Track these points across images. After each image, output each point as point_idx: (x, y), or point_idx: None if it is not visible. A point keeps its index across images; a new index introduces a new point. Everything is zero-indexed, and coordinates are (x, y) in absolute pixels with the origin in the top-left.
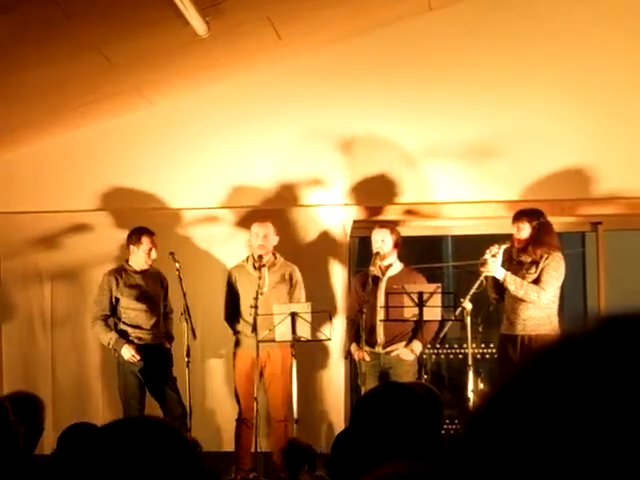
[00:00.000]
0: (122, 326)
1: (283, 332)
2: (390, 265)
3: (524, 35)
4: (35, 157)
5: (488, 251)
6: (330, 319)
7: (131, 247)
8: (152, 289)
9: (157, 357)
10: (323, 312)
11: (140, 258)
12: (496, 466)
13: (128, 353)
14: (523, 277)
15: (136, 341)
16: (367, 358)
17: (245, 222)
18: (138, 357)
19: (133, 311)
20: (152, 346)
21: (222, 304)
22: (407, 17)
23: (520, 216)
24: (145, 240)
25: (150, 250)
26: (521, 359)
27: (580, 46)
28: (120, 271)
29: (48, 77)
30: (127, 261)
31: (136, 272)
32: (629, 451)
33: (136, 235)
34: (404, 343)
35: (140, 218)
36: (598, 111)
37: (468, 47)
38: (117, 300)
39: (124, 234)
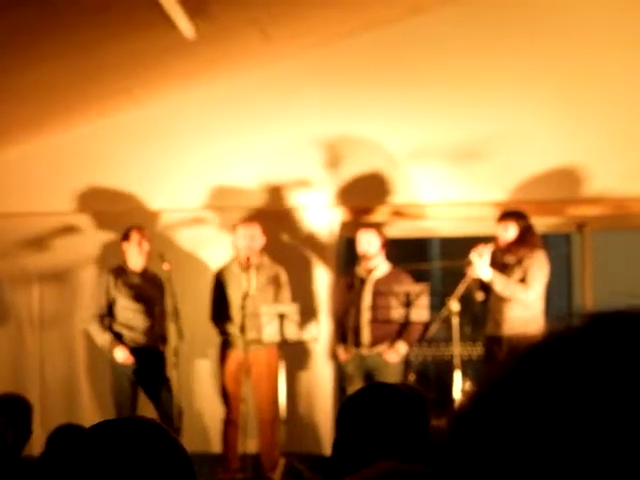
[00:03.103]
0: (117, 327)
1: (271, 333)
2: (377, 266)
3: (509, 37)
4: (23, 158)
5: (474, 252)
6: (317, 320)
7: (124, 246)
8: (149, 290)
9: (151, 359)
10: (310, 313)
11: (134, 255)
12: (482, 465)
13: (122, 356)
14: (508, 277)
15: (131, 344)
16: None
17: (232, 223)
18: (132, 359)
19: (131, 312)
20: (146, 348)
21: (208, 305)
22: (394, 20)
23: (507, 217)
24: (134, 234)
25: (140, 242)
26: (506, 357)
27: (566, 47)
28: (119, 270)
29: (37, 79)
30: (125, 262)
31: (134, 273)
32: (614, 447)
33: (126, 234)
34: (390, 344)
35: (127, 220)
36: (584, 112)
37: (455, 50)
38: (114, 300)
39: (112, 236)
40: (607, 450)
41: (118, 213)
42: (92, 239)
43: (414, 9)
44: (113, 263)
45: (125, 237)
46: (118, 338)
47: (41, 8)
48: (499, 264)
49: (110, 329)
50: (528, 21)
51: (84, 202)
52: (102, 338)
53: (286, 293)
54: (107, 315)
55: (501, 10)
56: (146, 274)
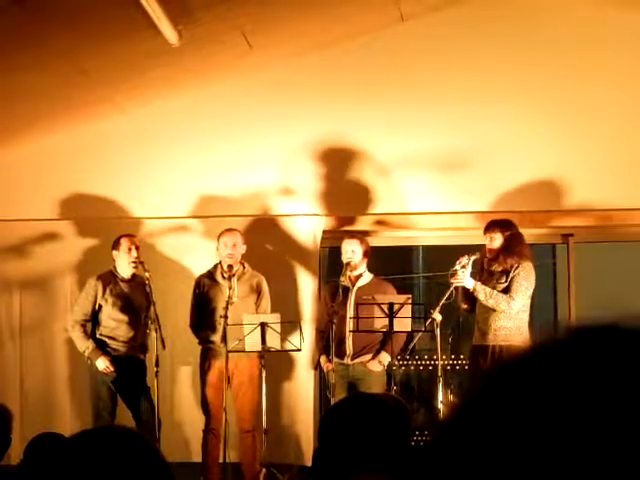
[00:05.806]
0: (99, 335)
1: (253, 342)
2: (360, 275)
3: (495, 47)
4: (5, 165)
5: (458, 262)
6: (300, 330)
7: (114, 254)
8: (137, 299)
9: (131, 368)
10: (293, 322)
11: (124, 262)
12: (464, 476)
13: (102, 364)
14: (494, 287)
15: (112, 353)
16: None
17: (214, 231)
18: (112, 369)
19: (114, 321)
20: (126, 358)
21: (189, 313)
22: (379, 29)
23: (493, 226)
24: (123, 241)
25: (130, 249)
26: (490, 369)
27: (552, 61)
28: (108, 278)
29: (20, 85)
30: (115, 269)
31: (123, 280)
32: (596, 462)
33: (116, 241)
34: (373, 354)
35: (109, 227)
36: (570, 124)
37: (439, 59)
38: (100, 307)
39: (93, 243)
40: (584, 463)
41: (100, 220)
42: (74, 246)
43: (400, 18)
44: (94, 271)
45: (115, 245)
46: (100, 346)
47: (23, 14)
48: (486, 273)
49: (93, 336)
50: (515, 34)
51: (66, 209)
52: (84, 345)
53: (265, 302)
54: (90, 322)
55: (488, 22)
56: (134, 282)
